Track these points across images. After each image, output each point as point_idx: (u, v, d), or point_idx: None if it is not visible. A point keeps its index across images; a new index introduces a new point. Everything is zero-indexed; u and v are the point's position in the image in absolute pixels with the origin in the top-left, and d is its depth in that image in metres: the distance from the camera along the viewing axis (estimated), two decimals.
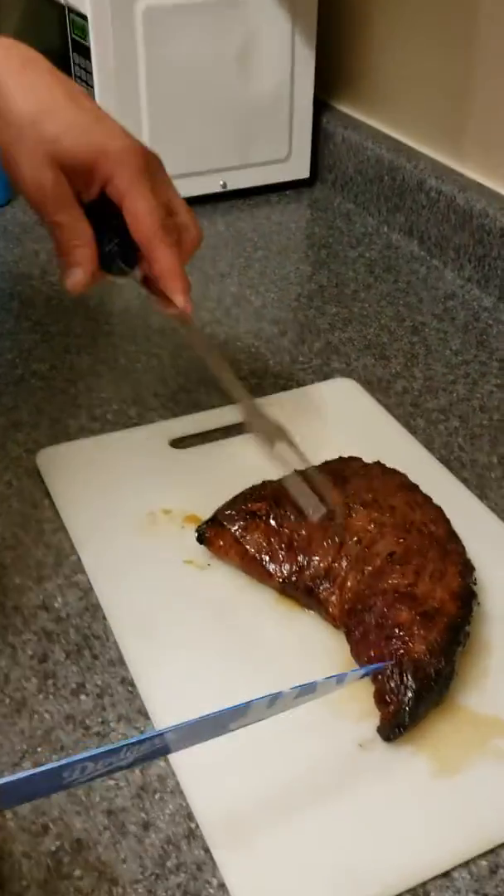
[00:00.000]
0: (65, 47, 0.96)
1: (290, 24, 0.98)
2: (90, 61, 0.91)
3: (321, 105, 1.09)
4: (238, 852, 0.42)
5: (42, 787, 0.35)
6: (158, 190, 0.55)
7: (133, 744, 0.37)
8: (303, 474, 0.57)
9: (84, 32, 0.90)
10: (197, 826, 0.44)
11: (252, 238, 1.00)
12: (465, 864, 0.43)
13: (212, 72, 0.97)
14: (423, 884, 0.42)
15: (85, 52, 0.92)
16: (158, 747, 0.39)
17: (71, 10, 0.93)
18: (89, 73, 0.92)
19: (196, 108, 0.98)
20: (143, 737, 0.38)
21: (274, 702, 0.42)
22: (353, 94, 1.09)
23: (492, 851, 0.43)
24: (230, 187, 1.05)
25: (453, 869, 0.43)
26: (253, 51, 0.98)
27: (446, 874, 0.42)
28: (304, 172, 1.09)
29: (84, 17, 0.89)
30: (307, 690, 0.44)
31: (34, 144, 0.52)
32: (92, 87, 0.92)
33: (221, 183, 1.04)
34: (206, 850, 0.43)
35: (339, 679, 0.46)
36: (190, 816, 0.44)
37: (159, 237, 0.55)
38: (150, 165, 0.55)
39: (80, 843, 0.43)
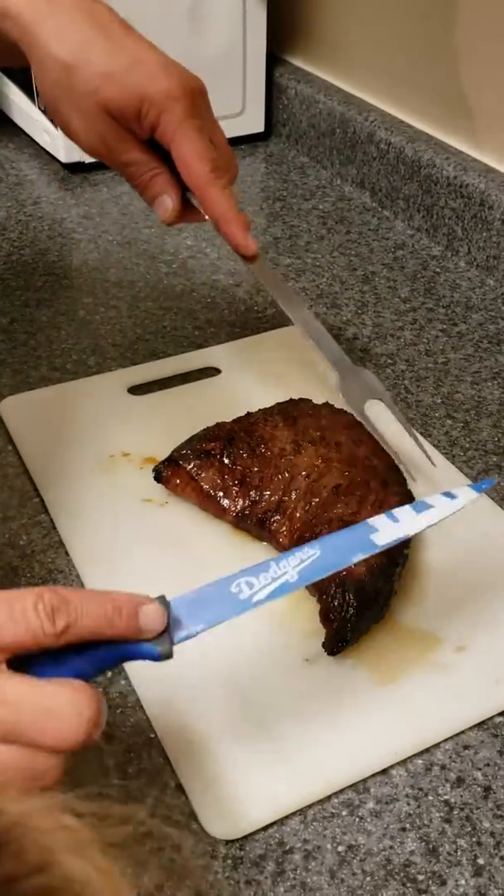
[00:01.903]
0: None
1: None
2: None
3: (273, 59, 1.11)
4: (193, 756, 0.46)
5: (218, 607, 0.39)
6: (205, 129, 0.54)
7: (295, 563, 0.40)
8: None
9: None
10: (155, 736, 0.47)
11: None
12: (402, 763, 0.47)
13: (163, 28, 0.98)
14: (364, 780, 0.46)
15: None
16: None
17: None
18: None
19: None
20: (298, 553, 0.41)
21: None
22: (305, 47, 1.10)
23: (426, 751, 0.47)
24: None
25: (391, 767, 0.47)
26: (203, 5, 0.99)
27: (385, 772, 0.46)
28: (258, 126, 1.11)
29: None
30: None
31: (78, 95, 0.52)
32: None
33: None
34: (165, 757, 0.47)
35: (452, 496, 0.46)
36: (150, 729, 0.48)
37: (210, 182, 0.54)
38: (196, 105, 0.54)
39: None
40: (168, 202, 0.55)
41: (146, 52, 0.53)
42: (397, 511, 0.44)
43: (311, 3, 1.07)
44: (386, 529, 0.43)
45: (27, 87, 1.03)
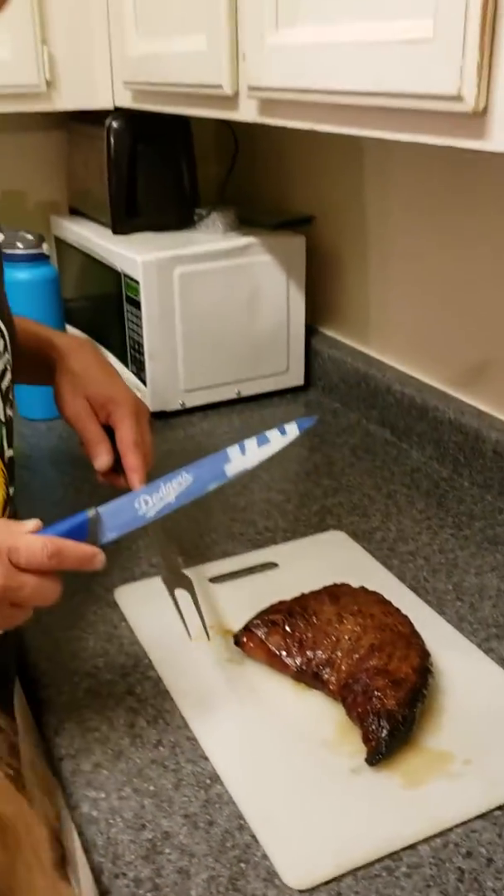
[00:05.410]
0: (119, 299, 1.28)
1: (286, 276, 1.31)
2: (140, 310, 1.22)
3: (311, 330, 1.41)
4: (275, 837, 0.63)
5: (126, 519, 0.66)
6: (140, 428, 0.86)
7: (175, 488, 0.65)
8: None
9: (135, 291, 1.22)
10: (245, 822, 0.65)
11: (261, 430, 1.28)
12: (426, 841, 0.63)
13: (229, 313, 1.28)
14: (397, 852, 0.63)
15: (136, 304, 1.23)
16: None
17: (126, 276, 1.25)
18: (139, 318, 1.23)
19: (218, 339, 1.29)
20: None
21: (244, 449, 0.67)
22: (335, 322, 1.41)
23: (442, 833, 0.64)
24: (243, 394, 1.35)
25: (417, 843, 0.63)
26: (258, 296, 1.30)
27: (413, 846, 0.63)
28: (299, 381, 1.39)
29: (136, 281, 1.21)
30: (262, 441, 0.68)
31: (75, 387, 0.86)
32: (141, 329, 1.23)
33: (236, 391, 1.34)
34: (253, 836, 0.64)
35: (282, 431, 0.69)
36: (240, 817, 0.65)
37: (133, 449, 0.85)
38: (139, 413, 0.86)
39: (167, 834, 0.64)
40: (105, 460, 0.85)
41: (121, 382, 0.88)
42: (247, 443, 0.67)
43: (340, 290, 1.38)
44: (236, 460, 0.66)
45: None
